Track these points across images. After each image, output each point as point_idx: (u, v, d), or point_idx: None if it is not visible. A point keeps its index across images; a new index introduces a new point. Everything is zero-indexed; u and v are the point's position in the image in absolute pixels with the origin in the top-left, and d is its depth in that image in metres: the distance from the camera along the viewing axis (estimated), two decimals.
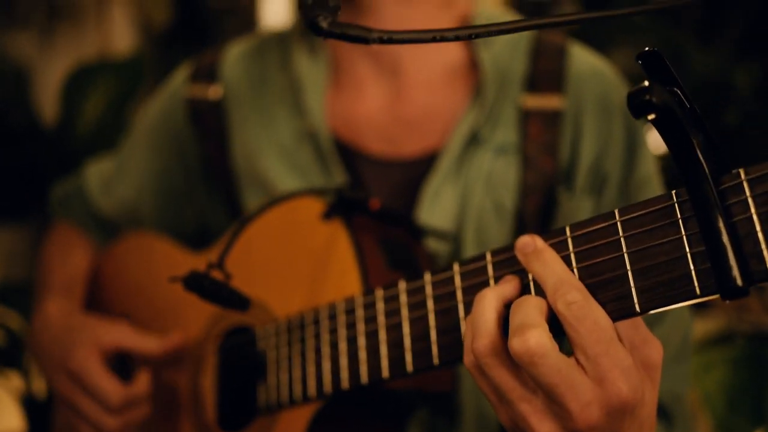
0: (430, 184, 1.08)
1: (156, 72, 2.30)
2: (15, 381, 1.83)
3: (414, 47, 1.15)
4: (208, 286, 0.84)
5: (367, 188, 1.11)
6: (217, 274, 0.86)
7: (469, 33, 0.60)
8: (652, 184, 1.11)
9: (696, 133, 0.62)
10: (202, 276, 0.84)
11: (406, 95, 1.15)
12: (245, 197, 1.18)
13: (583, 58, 1.16)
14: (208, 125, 1.21)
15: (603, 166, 1.10)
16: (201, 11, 2.55)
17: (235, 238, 0.88)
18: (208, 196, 1.24)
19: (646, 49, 0.65)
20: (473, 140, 1.10)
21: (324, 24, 0.56)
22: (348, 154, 1.13)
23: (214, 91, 1.21)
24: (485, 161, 1.10)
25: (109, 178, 1.31)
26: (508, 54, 1.15)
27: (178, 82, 1.26)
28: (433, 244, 1.07)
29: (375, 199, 0.97)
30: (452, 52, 1.17)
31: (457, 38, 0.59)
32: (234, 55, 1.23)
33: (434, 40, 0.58)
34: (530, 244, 0.70)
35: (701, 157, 0.61)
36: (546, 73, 1.13)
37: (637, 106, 0.59)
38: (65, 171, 2.01)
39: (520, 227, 1.10)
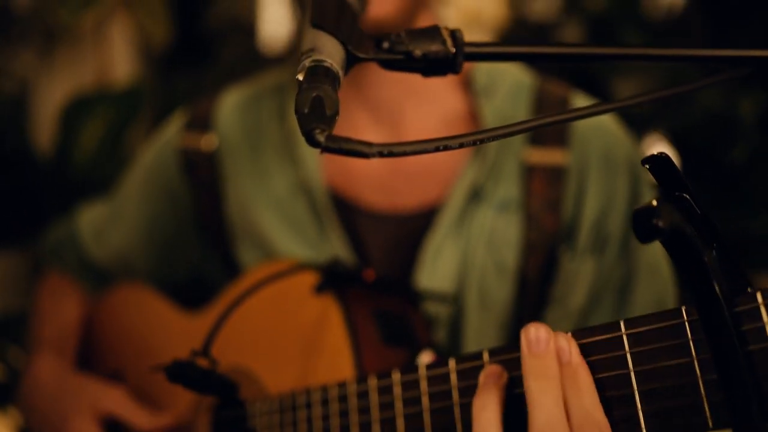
0: (430, 243, 1.05)
1: (155, 95, 2.27)
2: (15, 417, 1.79)
3: (413, 97, 1.12)
4: (192, 376, 0.80)
5: (363, 243, 1.08)
6: (202, 362, 0.82)
7: (473, 139, 0.56)
8: (653, 246, 1.08)
9: (707, 248, 0.58)
10: (186, 365, 0.81)
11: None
12: (240, 250, 1.14)
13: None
14: (202, 177, 1.18)
15: (606, 225, 1.07)
16: (201, 31, 2.51)
17: (221, 322, 0.85)
18: (202, 247, 1.21)
19: (654, 153, 0.62)
20: (474, 196, 1.06)
21: (321, 138, 0.53)
22: (344, 207, 1.10)
23: (207, 142, 1.18)
24: (487, 218, 1.06)
25: (101, 226, 1.28)
26: (509, 105, 1.11)
27: (172, 131, 1.23)
28: (434, 307, 1.04)
29: (369, 270, 0.94)
30: (452, 102, 1.13)
31: (461, 146, 0.56)
32: (229, 104, 1.20)
33: (437, 149, 0.55)
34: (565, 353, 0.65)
35: (714, 279, 0.57)
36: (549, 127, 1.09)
37: (644, 230, 0.55)
38: (62, 199, 1.98)
39: (522, 287, 1.07)
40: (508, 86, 1.12)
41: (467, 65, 1.15)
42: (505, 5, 2.32)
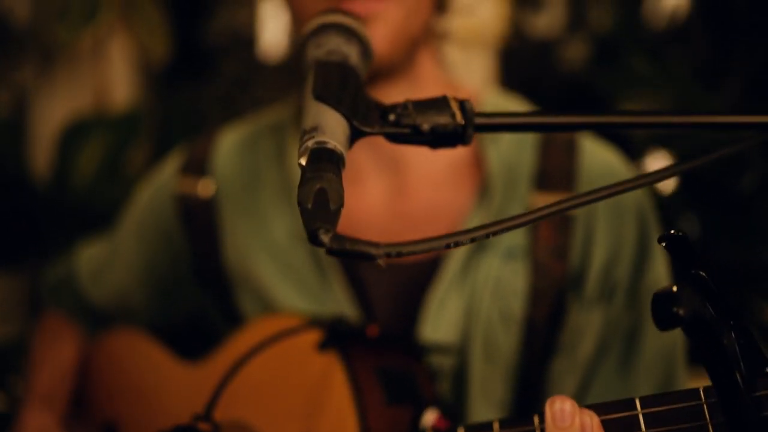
0: (434, 293, 1.02)
1: (155, 113, 2.25)
2: None
3: None
4: None
5: (366, 292, 1.05)
6: (204, 427, 0.80)
7: (485, 232, 0.54)
8: None
9: (725, 328, 0.57)
10: (187, 430, 0.78)
11: (409, 191, 1.09)
12: (239, 298, 1.12)
13: (594, 154, 1.10)
14: (199, 224, 1.15)
15: (614, 272, 1.05)
16: (201, 45, 2.49)
17: (223, 386, 0.82)
18: (200, 292, 1.18)
19: (671, 231, 0.60)
20: (479, 244, 1.04)
21: (325, 239, 0.51)
22: None
23: (204, 187, 1.15)
24: (492, 267, 1.04)
25: (99, 267, 1.26)
26: (515, 148, 1.09)
27: (169, 171, 1.20)
28: (438, 359, 1.01)
29: (373, 326, 0.91)
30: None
31: (473, 240, 0.54)
32: (226, 147, 1.17)
33: (449, 246, 0.53)
34: None
35: (734, 365, 0.55)
36: (556, 170, 1.07)
37: (664, 318, 0.54)
38: (60, 223, 1.96)
39: (529, 337, 1.04)
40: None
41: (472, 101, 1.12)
42: (507, 22, 2.29)
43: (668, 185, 1.75)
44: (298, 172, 1.10)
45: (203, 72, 2.47)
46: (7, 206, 1.96)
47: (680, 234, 0.58)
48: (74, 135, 1.82)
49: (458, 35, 2.40)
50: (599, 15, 2.36)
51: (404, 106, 0.65)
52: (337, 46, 0.73)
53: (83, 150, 1.81)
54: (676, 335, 1.07)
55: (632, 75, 1.82)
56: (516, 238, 1.04)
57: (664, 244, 0.59)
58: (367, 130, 0.63)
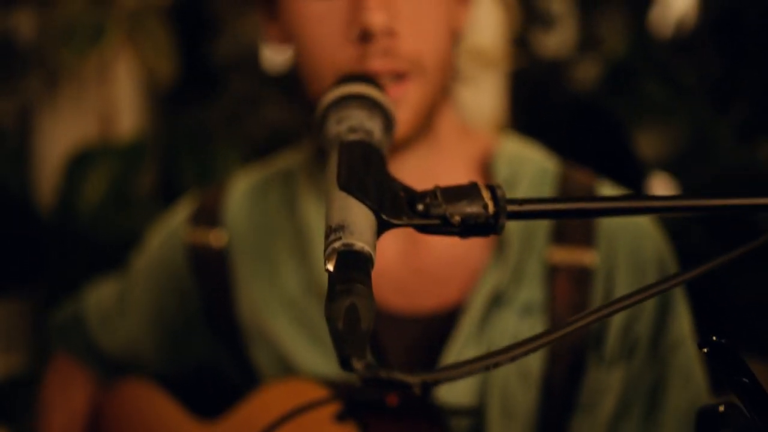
0: (450, 350, 1.00)
1: (161, 136, 2.23)
2: None
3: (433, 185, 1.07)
4: None
5: (381, 346, 1.03)
6: None
7: (527, 350, 0.52)
8: (685, 347, 1.03)
9: None
10: None
11: (424, 245, 1.07)
12: (252, 351, 1.10)
13: None
14: (211, 275, 1.12)
15: (634, 329, 1.02)
16: (207, 66, 2.46)
17: None
18: (212, 343, 1.16)
19: (713, 338, 0.57)
20: (496, 300, 1.02)
21: (359, 367, 0.48)
22: None
23: (216, 238, 1.12)
24: (509, 323, 1.01)
25: (109, 312, 1.24)
26: (531, 194, 1.06)
27: (180, 220, 1.17)
28: (455, 420, 0.99)
29: (392, 395, 0.89)
30: None
31: (513, 359, 0.51)
32: (238, 196, 1.14)
33: (488, 369, 0.50)
34: None
35: None
36: (573, 222, 1.05)
37: None
38: (65, 251, 1.94)
39: (547, 395, 1.02)
40: (531, 176, 1.08)
41: (487, 153, 1.10)
42: (512, 42, 2.26)
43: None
44: (310, 222, 1.09)
45: (210, 91, 2.44)
46: (11, 232, 1.94)
47: (724, 342, 0.55)
48: (80, 163, 1.79)
49: (462, 57, 2.38)
50: (609, 30, 2.34)
51: (433, 194, 0.62)
52: (360, 122, 0.70)
53: (89, 178, 1.79)
54: (701, 394, 1.04)
55: (646, 100, 1.79)
56: (533, 293, 1.02)
57: (704, 350, 0.56)
58: (396, 222, 0.60)
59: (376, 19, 0.90)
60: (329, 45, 0.95)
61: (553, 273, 1.02)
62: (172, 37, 2.22)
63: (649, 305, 1.03)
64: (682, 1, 2.37)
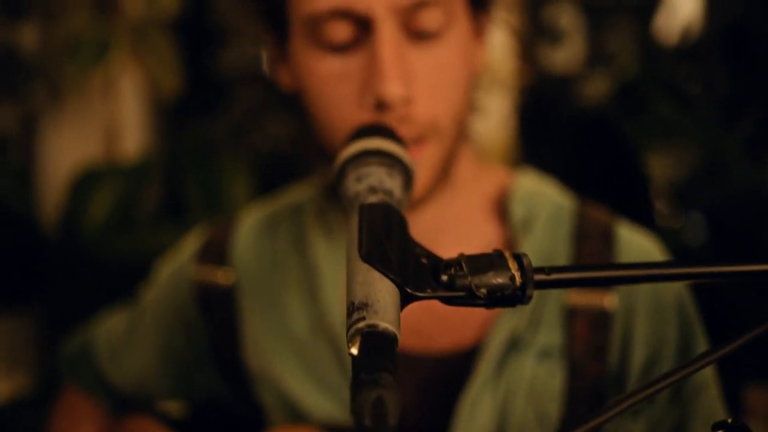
0: (467, 394, 0.98)
1: (166, 150, 2.21)
2: None
3: (447, 231, 1.04)
4: None
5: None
6: None
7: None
8: (708, 391, 1.01)
9: None
10: None
11: None
12: (258, 391, 1.08)
13: (632, 244, 1.05)
14: (217, 314, 1.11)
15: (655, 371, 1.00)
16: (212, 79, 2.44)
17: None
18: (220, 380, 1.14)
19: (727, 420, 0.56)
20: (513, 344, 0.99)
21: None
22: None
23: (223, 277, 1.10)
24: (527, 367, 0.99)
25: (118, 346, 1.22)
26: (549, 238, 1.04)
27: (189, 255, 1.15)
28: None
29: None
30: (489, 234, 1.06)
31: None
32: (245, 233, 1.12)
33: None
34: None
35: None
36: (592, 263, 1.02)
37: None
38: (69, 269, 1.92)
39: None
40: (547, 214, 1.05)
41: (502, 192, 1.08)
42: (519, 57, 2.24)
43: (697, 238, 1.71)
44: (319, 261, 1.06)
45: (215, 104, 2.42)
46: (15, 250, 1.92)
47: (740, 425, 0.54)
48: (85, 183, 1.77)
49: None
50: (616, 43, 2.32)
51: (458, 263, 0.60)
52: (380, 181, 0.68)
53: (94, 198, 1.77)
54: None
55: (656, 121, 1.77)
56: (551, 337, 1.00)
57: None
58: (420, 295, 0.58)
59: (395, 90, 0.87)
60: (343, 107, 0.92)
61: (571, 316, 1.00)
62: (177, 50, 2.20)
63: (671, 348, 1.01)
64: (687, 7, 2.35)
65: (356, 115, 0.90)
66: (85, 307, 1.85)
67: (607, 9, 2.32)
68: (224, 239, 1.12)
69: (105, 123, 2.18)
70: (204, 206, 1.98)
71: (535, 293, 0.98)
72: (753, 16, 2.28)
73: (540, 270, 0.60)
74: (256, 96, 2.46)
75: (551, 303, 1.01)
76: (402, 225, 0.64)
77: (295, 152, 2.43)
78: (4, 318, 2.00)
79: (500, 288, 0.59)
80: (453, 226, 1.05)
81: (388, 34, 0.88)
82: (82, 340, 1.27)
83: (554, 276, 0.61)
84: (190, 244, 1.17)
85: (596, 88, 2.23)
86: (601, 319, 1.00)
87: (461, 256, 0.60)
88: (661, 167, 1.72)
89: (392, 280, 0.57)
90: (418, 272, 0.59)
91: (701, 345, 1.03)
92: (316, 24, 0.90)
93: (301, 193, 1.14)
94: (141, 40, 2.15)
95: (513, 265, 0.59)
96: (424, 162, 0.93)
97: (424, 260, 0.62)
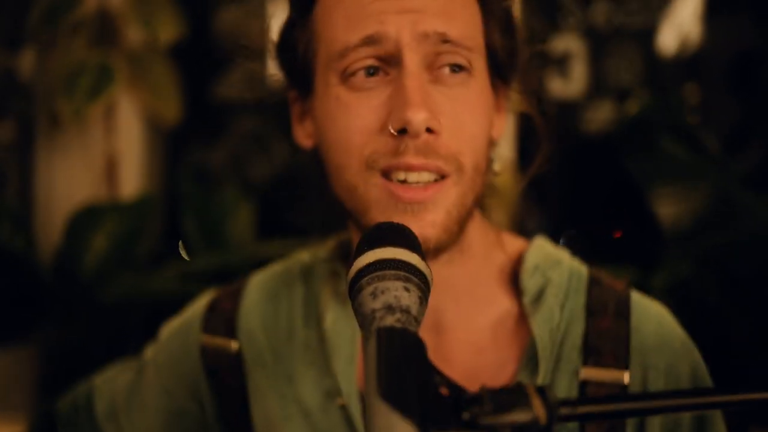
0: None
1: (166, 183, 2.19)
2: None
3: (459, 300, 1.03)
4: None
5: None
6: None
7: None
8: None
9: None
10: None
11: (448, 356, 1.03)
12: None
13: (648, 314, 1.03)
14: (226, 383, 1.08)
15: None
16: (212, 106, 2.42)
17: None
18: None
19: None
20: None
21: None
22: None
23: (232, 346, 1.08)
24: None
25: (118, 406, 1.19)
26: (562, 311, 1.02)
27: (196, 321, 1.13)
28: None
29: None
30: (500, 304, 1.04)
31: None
32: (252, 303, 1.10)
33: None
34: None
35: None
36: (607, 340, 1.00)
37: None
38: (66, 309, 1.90)
39: None
40: (560, 286, 1.04)
41: (516, 261, 1.06)
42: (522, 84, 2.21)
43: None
44: (330, 330, 1.05)
45: (215, 131, 2.40)
46: (11, 286, 1.90)
47: None
48: (84, 219, 1.75)
49: None
50: (617, 67, 2.30)
51: (479, 399, 0.58)
52: (397, 298, 0.66)
53: (93, 235, 1.75)
54: None
55: (663, 158, 1.75)
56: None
57: None
58: None
59: (420, 116, 0.87)
60: (363, 133, 0.92)
61: (583, 392, 0.98)
62: (176, 77, 2.18)
63: (687, 421, 0.99)
64: (685, 17, 2.33)
65: (377, 141, 0.91)
66: (83, 346, 1.83)
67: (608, 35, 2.30)
68: (232, 308, 1.10)
69: (104, 152, 2.15)
70: (205, 245, 1.96)
71: (549, 366, 0.98)
72: (760, 42, 2.27)
73: (565, 402, 0.58)
74: (256, 122, 2.44)
75: (565, 378, 0.99)
76: (421, 351, 0.62)
77: (297, 177, 2.41)
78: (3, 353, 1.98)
79: (525, 426, 0.57)
80: (466, 294, 1.04)
81: (414, 63, 0.90)
82: (80, 396, 1.25)
83: (580, 410, 0.59)
84: (198, 310, 1.15)
85: (598, 115, 2.22)
86: (615, 395, 0.98)
87: (483, 390, 0.58)
88: (668, 206, 1.70)
89: (412, 421, 0.55)
90: (438, 407, 0.57)
91: (716, 426, 1.01)
92: (344, 57, 0.91)
93: (310, 255, 1.12)
94: (140, 69, 2.12)
95: (537, 402, 0.57)
96: (441, 200, 0.91)
97: (444, 390, 0.59)
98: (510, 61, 1.01)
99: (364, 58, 0.91)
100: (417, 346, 0.61)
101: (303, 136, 1.04)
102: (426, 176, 0.91)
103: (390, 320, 0.64)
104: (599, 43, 2.31)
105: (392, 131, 0.89)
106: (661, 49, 2.32)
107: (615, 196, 2.13)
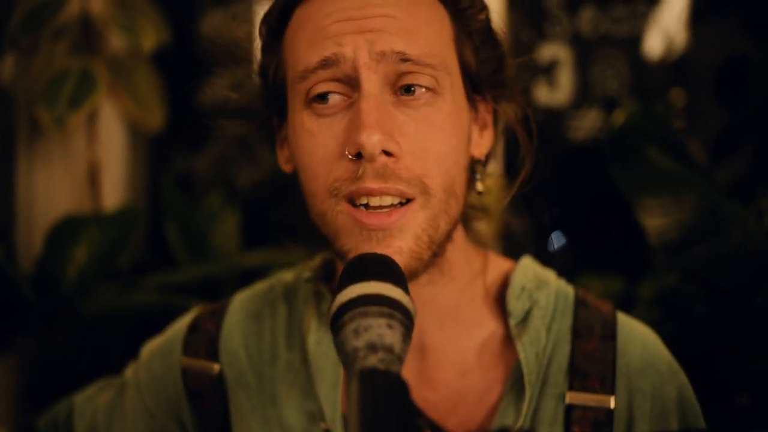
0: None
1: (150, 191, 2.16)
2: None
3: (444, 323, 1.02)
4: None
5: None
6: None
7: None
8: None
9: None
10: None
11: (433, 377, 1.02)
12: None
13: (633, 336, 1.02)
14: (208, 405, 1.07)
15: None
16: (195, 112, 2.39)
17: None
18: None
19: None
20: None
21: None
22: None
23: (214, 369, 1.07)
24: None
25: (98, 424, 1.18)
26: (548, 333, 1.02)
27: (178, 342, 1.11)
28: None
29: None
30: (488, 329, 1.04)
31: None
32: (235, 324, 1.09)
33: None
34: None
35: None
36: (593, 363, 1.00)
37: None
38: (47, 321, 1.87)
39: None
40: (546, 309, 1.03)
41: (502, 282, 1.05)
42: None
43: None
44: (313, 353, 1.03)
45: (199, 137, 2.37)
46: None
47: None
48: (65, 230, 1.72)
49: None
50: (603, 75, 2.29)
51: None
52: (380, 336, 0.65)
53: (74, 246, 1.72)
54: None
55: (650, 169, 1.74)
56: None
57: None
58: None
59: (373, 138, 0.85)
60: (327, 160, 0.91)
61: (571, 415, 0.98)
62: (160, 83, 2.15)
63: None
64: (671, 22, 2.33)
65: (338, 167, 0.90)
66: (64, 359, 1.80)
67: (594, 42, 2.29)
68: (214, 329, 1.09)
69: (86, 160, 2.12)
70: (189, 254, 1.94)
71: (535, 389, 0.97)
72: (747, 48, 2.27)
73: None
74: (240, 128, 2.41)
75: (551, 401, 0.98)
76: (404, 393, 0.60)
77: (281, 183, 2.39)
78: None
79: None
80: (449, 316, 1.03)
81: (372, 85, 0.88)
82: (60, 414, 1.24)
83: None
84: (180, 331, 1.13)
85: (585, 122, 2.21)
86: (601, 419, 0.98)
87: None
88: (656, 213, 1.69)
89: None
90: None
91: None
92: (305, 80, 0.91)
93: (293, 275, 1.11)
94: (122, 75, 2.10)
95: None
96: (408, 224, 0.90)
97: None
98: (492, 76, 0.99)
99: (324, 81, 0.90)
100: (400, 388, 0.60)
101: (283, 160, 1.04)
102: (388, 200, 0.89)
103: (373, 360, 0.62)
104: (586, 51, 2.30)
105: (349, 156, 0.88)
106: (647, 56, 2.32)
107: (602, 205, 2.13)
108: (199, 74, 2.45)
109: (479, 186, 1.00)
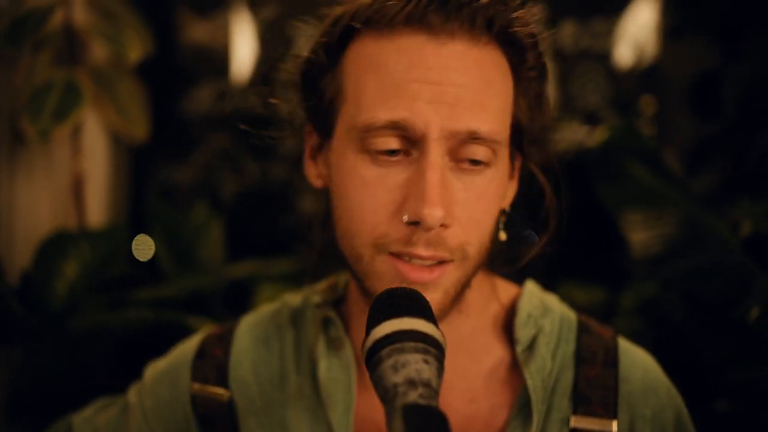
0: None
1: (134, 203, 2.14)
2: None
3: (457, 351, 1.03)
4: None
5: None
6: None
7: None
8: None
9: None
10: None
11: (442, 403, 1.02)
12: None
13: (634, 361, 1.06)
14: (218, 429, 1.08)
15: None
16: (179, 122, 2.39)
17: None
18: None
19: None
20: None
21: None
22: None
23: (223, 395, 1.08)
24: None
25: None
26: (553, 359, 1.05)
27: (185, 367, 1.11)
28: None
29: None
30: (497, 355, 1.07)
31: None
32: (242, 349, 1.10)
33: None
34: None
35: None
36: (596, 388, 1.03)
37: None
38: (34, 338, 1.85)
39: None
40: (551, 335, 1.06)
41: (509, 310, 1.09)
42: None
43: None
44: (324, 378, 1.04)
45: (184, 147, 2.37)
46: None
47: None
48: (52, 247, 1.71)
49: None
50: (584, 90, 2.34)
51: None
52: (418, 371, 0.67)
53: (62, 263, 1.70)
54: None
55: (631, 184, 1.78)
56: None
57: None
58: None
59: (437, 214, 0.87)
60: (377, 212, 0.91)
61: None
62: (143, 94, 2.14)
63: None
64: (640, 31, 2.38)
65: (388, 227, 0.90)
66: (51, 375, 1.78)
67: (574, 57, 2.34)
68: (223, 355, 1.10)
69: (70, 171, 2.10)
70: (176, 266, 1.93)
71: (542, 415, 1.00)
72: (719, 61, 2.32)
73: None
74: (225, 139, 2.41)
75: (556, 426, 1.01)
76: (446, 427, 0.63)
77: (266, 192, 2.40)
78: None
79: None
80: (464, 346, 1.05)
81: (438, 157, 0.88)
82: (61, 428, 1.23)
83: None
84: (188, 355, 1.13)
85: (568, 136, 2.26)
86: None
87: None
88: (636, 226, 1.73)
89: None
90: None
91: None
92: (368, 132, 0.90)
93: (301, 299, 1.13)
94: (106, 87, 2.08)
95: None
96: (443, 283, 0.92)
97: None
98: (533, 135, 1.01)
99: (388, 137, 0.89)
100: (442, 423, 0.62)
101: (314, 175, 1.03)
102: (430, 260, 0.91)
103: (413, 396, 0.65)
104: (566, 65, 2.35)
105: (405, 220, 0.89)
106: (618, 67, 2.37)
107: (584, 216, 2.17)
108: (182, 86, 2.45)
109: (502, 235, 1.02)
